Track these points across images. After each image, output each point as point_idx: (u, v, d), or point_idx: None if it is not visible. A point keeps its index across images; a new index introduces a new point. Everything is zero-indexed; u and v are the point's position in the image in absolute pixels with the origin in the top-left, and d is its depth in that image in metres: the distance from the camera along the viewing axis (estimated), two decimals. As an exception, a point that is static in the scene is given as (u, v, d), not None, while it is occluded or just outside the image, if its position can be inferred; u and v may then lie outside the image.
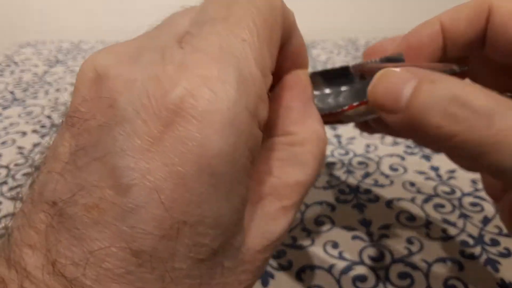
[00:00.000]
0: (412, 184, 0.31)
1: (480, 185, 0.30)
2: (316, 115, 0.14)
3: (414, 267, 0.24)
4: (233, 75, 0.10)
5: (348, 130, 0.39)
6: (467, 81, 0.14)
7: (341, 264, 0.24)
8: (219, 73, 0.10)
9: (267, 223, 0.12)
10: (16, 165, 0.34)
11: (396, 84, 0.13)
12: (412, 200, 0.29)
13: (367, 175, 0.32)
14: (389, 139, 0.37)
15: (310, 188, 0.13)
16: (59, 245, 0.10)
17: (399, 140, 0.37)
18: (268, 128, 0.13)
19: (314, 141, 0.13)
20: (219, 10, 0.12)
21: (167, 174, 0.10)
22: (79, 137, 0.11)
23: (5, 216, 0.28)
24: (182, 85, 0.10)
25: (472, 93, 0.12)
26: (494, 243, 0.25)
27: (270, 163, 0.13)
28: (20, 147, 0.37)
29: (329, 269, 0.24)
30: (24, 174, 0.33)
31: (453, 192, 0.30)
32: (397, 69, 0.13)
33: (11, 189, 0.31)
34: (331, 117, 0.17)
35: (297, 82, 0.15)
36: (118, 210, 0.10)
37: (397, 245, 0.25)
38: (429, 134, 0.12)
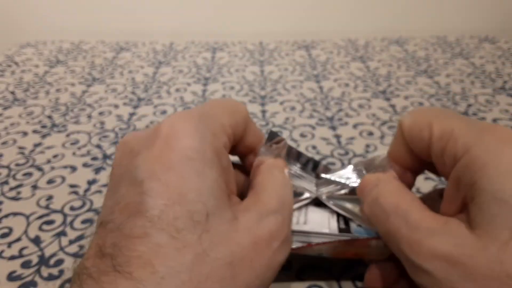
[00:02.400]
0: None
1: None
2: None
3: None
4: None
5: (347, 130, 0.39)
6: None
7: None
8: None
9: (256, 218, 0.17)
10: (16, 165, 0.34)
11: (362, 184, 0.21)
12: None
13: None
14: (388, 139, 0.37)
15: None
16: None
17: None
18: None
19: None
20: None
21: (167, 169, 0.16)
22: None
23: (6, 216, 0.29)
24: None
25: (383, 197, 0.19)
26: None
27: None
28: (21, 147, 0.37)
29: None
30: (25, 174, 0.33)
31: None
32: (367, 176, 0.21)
33: (11, 189, 0.31)
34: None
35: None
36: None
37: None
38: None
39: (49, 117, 0.43)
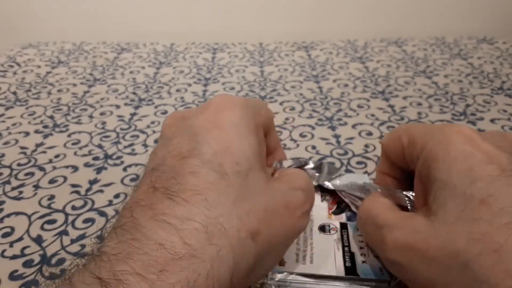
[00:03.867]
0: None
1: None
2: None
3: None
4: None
5: (347, 130, 0.39)
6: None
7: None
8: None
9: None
10: (18, 165, 0.35)
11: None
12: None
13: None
14: (387, 139, 0.38)
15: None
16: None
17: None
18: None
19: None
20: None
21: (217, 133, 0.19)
22: None
23: (8, 215, 0.29)
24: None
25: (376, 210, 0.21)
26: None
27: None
28: (22, 147, 0.37)
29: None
30: (27, 174, 0.33)
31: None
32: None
33: (13, 188, 0.32)
34: None
35: None
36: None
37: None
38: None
39: (51, 117, 0.43)
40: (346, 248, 0.23)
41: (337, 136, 0.38)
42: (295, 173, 0.21)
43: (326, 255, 0.23)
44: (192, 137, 0.18)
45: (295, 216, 0.19)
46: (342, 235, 0.25)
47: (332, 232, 0.25)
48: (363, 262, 0.23)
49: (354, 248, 0.24)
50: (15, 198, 0.31)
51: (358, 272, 0.22)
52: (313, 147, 0.37)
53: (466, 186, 0.17)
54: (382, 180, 0.25)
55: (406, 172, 0.24)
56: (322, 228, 0.25)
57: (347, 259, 0.23)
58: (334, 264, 0.22)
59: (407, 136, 0.21)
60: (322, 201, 0.28)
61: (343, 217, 0.26)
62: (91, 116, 0.43)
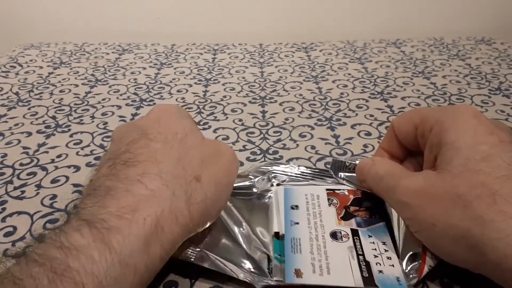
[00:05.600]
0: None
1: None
2: None
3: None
4: None
5: (346, 130, 0.40)
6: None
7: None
8: None
9: None
10: (21, 164, 0.35)
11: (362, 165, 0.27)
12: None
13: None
14: (386, 139, 0.38)
15: None
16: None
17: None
18: None
19: None
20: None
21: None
22: None
23: (10, 215, 0.29)
24: None
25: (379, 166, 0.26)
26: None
27: None
28: (25, 147, 0.38)
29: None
30: (29, 174, 0.34)
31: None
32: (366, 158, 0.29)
33: (16, 188, 0.32)
34: None
35: None
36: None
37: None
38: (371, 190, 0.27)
39: (53, 117, 0.43)
40: (361, 257, 0.23)
41: (336, 136, 0.39)
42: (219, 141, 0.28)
43: (342, 264, 0.23)
44: (140, 130, 0.23)
45: (226, 160, 0.24)
46: (354, 243, 0.24)
47: (344, 239, 0.25)
48: (380, 271, 0.22)
49: (369, 256, 0.23)
50: (17, 197, 0.31)
51: (376, 282, 0.22)
52: (313, 147, 0.37)
53: (471, 147, 0.21)
54: (381, 155, 0.28)
55: (406, 154, 0.28)
56: (334, 235, 0.25)
57: (363, 269, 0.23)
58: (352, 274, 0.22)
59: (420, 115, 0.25)
60: (329, 205, 0.28)
61: (353, 223, 0.26)
62: (92, 117, 0.44)
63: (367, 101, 0.46)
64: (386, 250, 0.24)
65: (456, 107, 0.24)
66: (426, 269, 0.22)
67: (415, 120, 0.25)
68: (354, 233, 0.25)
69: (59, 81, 0.52)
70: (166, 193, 0.19)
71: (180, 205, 0.20)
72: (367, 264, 0.23)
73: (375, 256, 0.23)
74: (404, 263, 0.23)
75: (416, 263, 0.23)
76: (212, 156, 0.23)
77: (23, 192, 0.32)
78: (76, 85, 0.51)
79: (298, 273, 0.22)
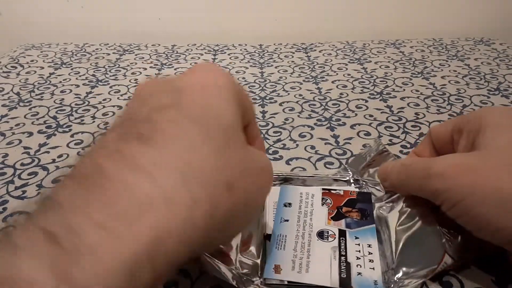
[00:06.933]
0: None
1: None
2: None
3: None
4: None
5: (345, 130, 0.40)
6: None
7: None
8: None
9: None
10: (22, 164, 0.35)
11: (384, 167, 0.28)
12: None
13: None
14: (385, 139, 0.38)
15: None
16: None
17: (395, 140, 0.38)
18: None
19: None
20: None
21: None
22: None
23: (11, 214, 0.29)
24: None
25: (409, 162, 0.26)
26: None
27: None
28: (26, 147, 0.38)
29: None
30: (30, 174, 0.34)
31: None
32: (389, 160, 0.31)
33: (17, 188, 0.32)
34: None
35: None
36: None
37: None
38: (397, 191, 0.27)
39: (54, 117, 0.44)
40: (343, 258, 0.23)
41: (336, 136, 0.39)
42: (263, 143, 0.23)
43: (322, 264, 0.23)
44: (174, 94, 0.16)
45: (266, 179, 0.19)
46: (339, 243, 0.24)
47: (330, 239, 0.25)
48: (358, 274, 0.22)
49: (351, 258, 0.23)
50: (18, 197, 0.31)
51: (353, 283, 0.22)
52: (312, 147, 0.37)
53: None
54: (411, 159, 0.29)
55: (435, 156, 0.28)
56: (321, 235, 0.25)
57: (342, 270, 0.23)
58: (330, 274, 0.22)
59: (457, 120, 0.26)
60: (322, 205, 0.28)
61: (342, 224, 0.26)
62: (93, 117, 0.44)
63: (366, 101, 0.46)
64: (370, 253, 0.24)
65: (492, 107, 0.28)
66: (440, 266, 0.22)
67: (453, 120, 0.27)
68: (342, 233, 0.25)
69: (60, 82, 0.53)
70: (183, 197, 0.13)
71: (196, 218, 0.14)
72: (348, 265, 0.23)
73: (358, 258, 0.23)
74: (399, 274, 0.22)
75: (409, 281, 0.22)
76: (254, 168, 0.18)
77: (24, 192, 0.32)
78: (77, 86, 0.51)
79: (277, 268, 0.22)
